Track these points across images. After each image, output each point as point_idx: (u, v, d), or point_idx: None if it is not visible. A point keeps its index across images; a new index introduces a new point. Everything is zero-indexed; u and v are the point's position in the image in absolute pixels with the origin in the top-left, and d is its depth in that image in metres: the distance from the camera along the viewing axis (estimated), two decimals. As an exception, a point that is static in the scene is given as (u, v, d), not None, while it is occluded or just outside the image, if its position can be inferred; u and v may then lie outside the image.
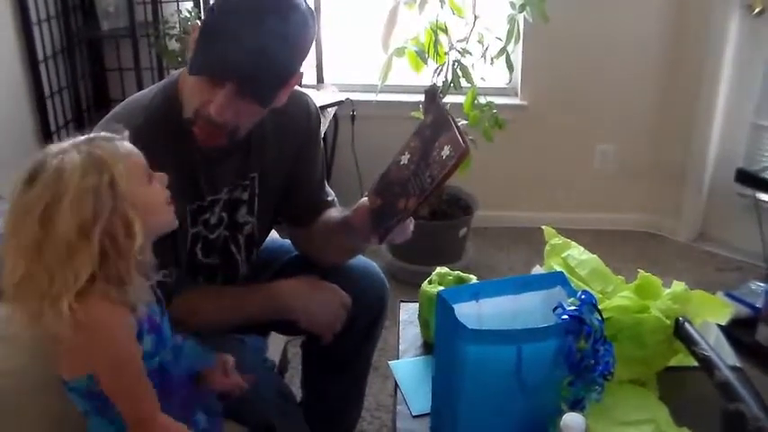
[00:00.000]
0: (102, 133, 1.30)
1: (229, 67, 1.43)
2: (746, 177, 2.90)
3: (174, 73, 1.64)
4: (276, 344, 2.21)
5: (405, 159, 1.57)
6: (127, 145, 1.29)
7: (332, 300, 1.76)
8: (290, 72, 1.52)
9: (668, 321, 1.54)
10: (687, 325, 1.55)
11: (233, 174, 1.69)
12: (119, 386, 1.28)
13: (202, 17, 1.60)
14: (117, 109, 1.63)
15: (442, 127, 1.49)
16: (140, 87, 3.03)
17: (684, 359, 1.58)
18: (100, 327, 1.23)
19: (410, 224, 1.63)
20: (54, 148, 1.24)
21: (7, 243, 1.22)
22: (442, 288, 1.68)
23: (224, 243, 1.75)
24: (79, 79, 3.34)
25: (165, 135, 1.51)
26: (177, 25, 3.21)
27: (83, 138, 1.27)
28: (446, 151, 1.45)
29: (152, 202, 1.29)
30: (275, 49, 1.44)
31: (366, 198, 1.66)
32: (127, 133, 1.32)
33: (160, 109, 1.57)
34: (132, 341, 1.28)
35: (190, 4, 3.33)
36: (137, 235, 1.22)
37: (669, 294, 1.61)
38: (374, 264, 1.95)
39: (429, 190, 1.47)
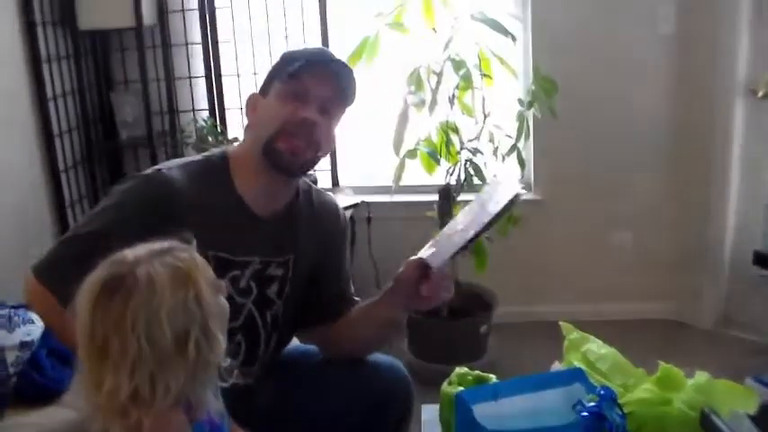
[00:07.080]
0: (178, 244, 1.27)
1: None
2: (765, 259, 2.89)
3: (215, 149, 1.76)
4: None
5: (460, 219, 1.68)
6: (198, 256, 1.27)
7: None
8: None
9: (693, 413, 1.52)
10: (713, 416, 1.52)
11: (267, 243, 1.71)
12: None
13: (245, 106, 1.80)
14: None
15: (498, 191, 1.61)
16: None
17: (713, 452, 1.55)
18: None
19: (451, 284, 1.69)
20: (129, 256, 1.20)
21: (97, 359, 1.17)
22: (461, 389, 1.67)
23: (251, 317, 1.74)
24: (99, 188, 3.43)
25: (204, 182, 1.63)
26: (193, 134, 3.31)
27: (159, 247, 1.24)
28: (501, 197, 1.56)
29: (223, 312, 1.26)
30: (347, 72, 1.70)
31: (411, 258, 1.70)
32: (195, 243, 1.29)
33: (201, 164, 1.69)
34: None
35: (206, 113, 3.43)
36: (219, 346, 1.21)
37: (692, 385, 1.58)
38: (398, 361, 1.94)
39: (486, 223, 1.56)
